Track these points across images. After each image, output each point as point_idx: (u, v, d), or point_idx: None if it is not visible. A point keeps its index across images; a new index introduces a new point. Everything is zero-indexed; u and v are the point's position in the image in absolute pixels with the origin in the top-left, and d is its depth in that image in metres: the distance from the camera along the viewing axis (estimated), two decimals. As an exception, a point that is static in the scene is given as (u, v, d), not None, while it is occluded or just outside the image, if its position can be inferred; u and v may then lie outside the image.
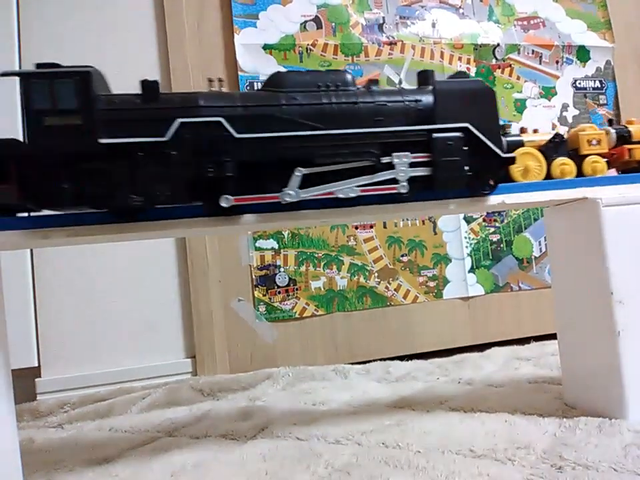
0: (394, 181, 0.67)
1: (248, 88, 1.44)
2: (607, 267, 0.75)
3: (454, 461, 0.61)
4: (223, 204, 0.63)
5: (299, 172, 0.65)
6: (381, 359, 1.39)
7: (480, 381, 1.07)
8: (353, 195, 0.66)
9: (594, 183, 0.81)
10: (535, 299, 1.62)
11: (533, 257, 1.65)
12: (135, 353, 1.26)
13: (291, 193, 0.65)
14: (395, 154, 0.67)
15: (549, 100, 1.73)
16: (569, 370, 0.87)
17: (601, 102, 1.78)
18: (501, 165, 0.72)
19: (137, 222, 0.65)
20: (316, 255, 1.46)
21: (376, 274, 1.50)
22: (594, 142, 0.83)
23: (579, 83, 1.77)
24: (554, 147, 0.82)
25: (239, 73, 1.42)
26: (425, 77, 0.74)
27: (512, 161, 0.73)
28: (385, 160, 0.67)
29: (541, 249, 1.66)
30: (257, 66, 1.46)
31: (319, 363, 1.35)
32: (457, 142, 0.68)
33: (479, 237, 1.62)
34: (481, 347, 1.47)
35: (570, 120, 1.74)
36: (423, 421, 0.79)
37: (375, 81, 0.73)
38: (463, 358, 1.35)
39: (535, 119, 1.69)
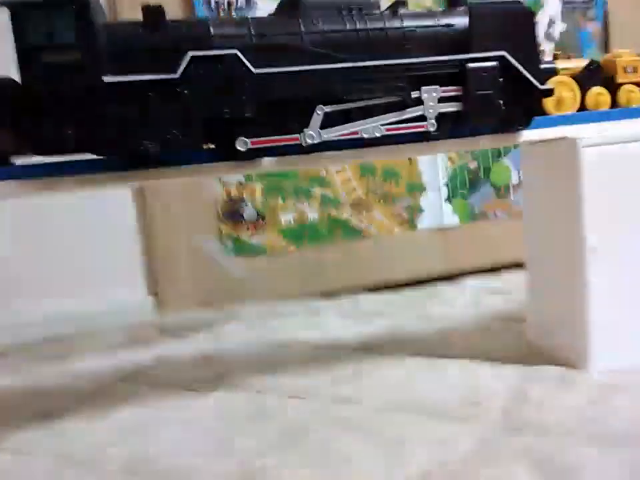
0: (422, 117, 0.62)
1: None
2: (582, 211, 0.70)
3: (407, 422, 0.59)
4: (240, 147, 0.58)
5: (321, 110, 0.59)
6: (352, 293, 1.37)
7: (448, 319, 1.05)
8: (378, 134, 0.61)
9: (577, 120, 0.74)
10: (511, 227, 1.59)
11: (510, 185, 1.60)
12: (96, 290, 1.22)
13: (313, 134, 0.59)
14: (424, 88, 0.61)
15: (537, 11, 1.60)
16: (535, 311, 0.85)
17: (589, 16, 1.66)
18: (537, 97, 0.66)
19: (149, 169, 0.59)
20: (285, 187, 1.39)
21: (349, 206, 1.45)
22: (630, 69, 0.77)
23: (568, -4, 1.64)
24: (589, 76, 0.76)
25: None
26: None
27: (549, 92, 0.66)
28: (414, 94, 0.61)
29: (520, 176, 1.61)
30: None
31: (290, 298, 1.33)
32: (492, 73, 0.62)
33: (455, 165, 1.55)
34: (456, 278, 1.45)
35: (557, 36, 1.62)
36: (383, 370, 0.77)
37: (402, 2, 0.64)
38: (434, 291, 1.33)
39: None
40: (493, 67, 0.62)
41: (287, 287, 1.37)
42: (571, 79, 0.75)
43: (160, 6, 0.57)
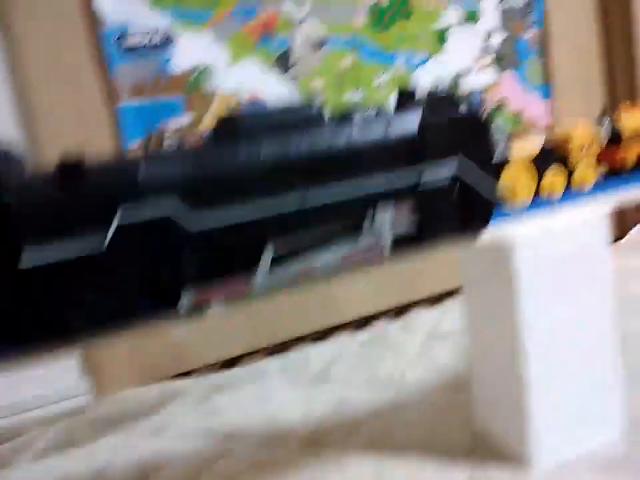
0: (377, 242, 0.58)
1: (118, 40, 1.19)
2: (519, 311, 0.68)
3: None
4: (182, 306, 0.51)
5: (270, 253, 0.54)
6: (301, 338, 1.33)
7: (395, 384, 1.03)
8: (331, 266, 0.57)
9: (515, 216, 0.70)
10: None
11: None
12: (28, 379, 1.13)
13: (262, 278, 0.54)
14: (378, 213, 0.57)
15: (475, 22, 1.53)
16: (481, 401, 0.82)
17: (528, 23, 1.60)
18: (493, 204, 0.63)
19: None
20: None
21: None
22: (586, 148, 0.75)
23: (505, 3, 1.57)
24: (545, 157, 0.73)
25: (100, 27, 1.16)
26: (406, 99, 0.61)
27: (507, 201, 0.66)
28: (367, 222, 0.58)
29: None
30: (125, 12, 1.19)
31: (237, 354, 1.28)
32: (447, 189, 0.59)
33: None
34: (406, 311, 1.42)
35: (496, 46, 1.56)
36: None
37: (348, 116, 0.58)
38: (383, 335, 1.30)
39: (459, 49, 1.51)
40: (448, 184, 0.59)
41: (233, 342, 1.31)
42: (527, 163, 0.71)
43: (78, 161, 0.47)
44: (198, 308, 0.53)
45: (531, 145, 0.73)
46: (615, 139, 0.77)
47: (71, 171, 0.47)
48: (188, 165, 0.51)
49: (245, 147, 0.53)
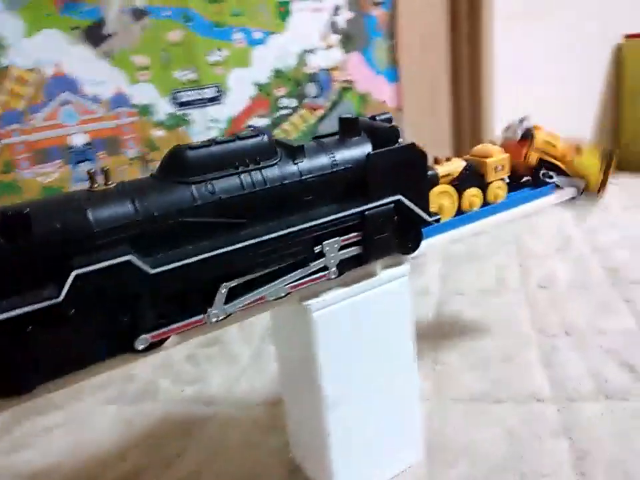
0: (324, 267, 0.62)
1: None
2: (318, 367, 0.65)
3: None
4: (140, 346, 0.52)
5: (225, 288, 0.55)
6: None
7: (211, 406, 0.95)
8: (283, 294, 0.60)
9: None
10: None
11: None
12: None
13: (217, 312, 0.56)
14: (325, 243, 0.60)
15: (320, 1, 1.45)
16: (293, 441, 0.80)
17: (375, 0, 1.55)
18: (425, 226, 0.68)
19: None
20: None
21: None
22: (499, 168, 0.83)
23: (352, -22, 1.50)
24: (465, 178, 0.80)
25: None
26: (349, 126, 0.63)
27: (437, 221, 0.70)
28: (317, 249, 0.60)
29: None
30: None
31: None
32: (388, 216, 0.64)
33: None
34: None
35: (343, 25, 1.49)
36: None
37: (297, 147, 0.59)
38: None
39: (302, 27, 1.42)
40: (389, 211, 0.63)
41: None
42: (449, 186, 0.79)
43: (21, 212, 0.44)
44: (155, 345, 0.54)
45: (452, 168, 0.80)
46: (525, 137, 0.87)
47: (15, 222, 0.44)
48: (137, 207, 0.50)
49: (196, 186, 0.53)
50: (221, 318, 0.56)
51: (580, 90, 1.87)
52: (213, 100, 1.34)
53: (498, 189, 0.83)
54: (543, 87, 1.73)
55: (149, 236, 0.50)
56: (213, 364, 1.09)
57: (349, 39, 1.51)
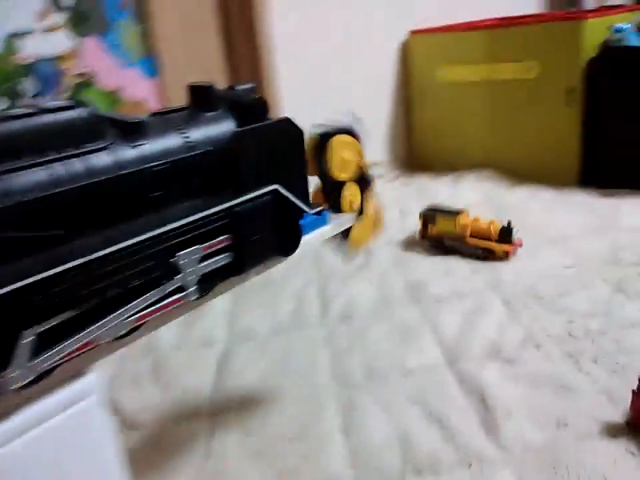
0: (180, 288, 0.45)
1: None
2: None
3: None
4: None
5: (27, 336, 0.36)
6: None
7: None
8: (123, 331, 0.42)
9: None
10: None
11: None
12: None
13: (21, 373, 0.36)
14: (180, 254, 0.44)
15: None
16: None
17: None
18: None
19: None
20: None
21: None
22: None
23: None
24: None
25: None
26: (203, 97, 0.50)
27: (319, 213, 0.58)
28: (169, 263, 0.44)
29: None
30: None
31: None
32: (265, 210, 0.50)
33: None
34: None
35: (68, 3, 1.13)
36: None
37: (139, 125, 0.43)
38: None
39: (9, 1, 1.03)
40: (266, 205, 0.50)
41: None
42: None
43: None
44: None
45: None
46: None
47: None
48: None
49: None
50: (30, 377, 0.37)
51: (368, 88, 1.75)
52: None
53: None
54: (330, 80, 1.56)
55: None
56: None
57: (81, 19, 1.15)
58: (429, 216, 1.17)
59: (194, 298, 0.47)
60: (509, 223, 1.10)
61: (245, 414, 0.74)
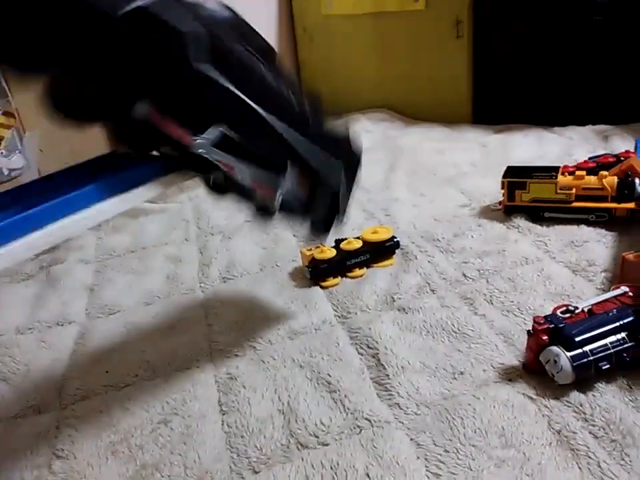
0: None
1: None
2: None
3: None
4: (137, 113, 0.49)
5: (222, 128, 0.52)
6: None
7: None
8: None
9: None
10: None
11: None
12: None
13: (203, 143, 0.51)
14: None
15: None
16: None
17: None
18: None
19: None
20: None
21: None
22: None
23: None
24: None
25: None
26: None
27: None
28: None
29: None
30: None
31: None
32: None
33: None
34: None
35: None
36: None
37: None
38: None
39: None
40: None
41: None
42: None
43: None
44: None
45: None
46: None
47: None
48: None
49: None
50: (204, 153, 0.51)
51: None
52: None
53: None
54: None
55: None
56: None
57: None
58: (516, 183, 0.91)
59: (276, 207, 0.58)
60: (627, 174, 0.88)
61: (105, 398, 0.63)
